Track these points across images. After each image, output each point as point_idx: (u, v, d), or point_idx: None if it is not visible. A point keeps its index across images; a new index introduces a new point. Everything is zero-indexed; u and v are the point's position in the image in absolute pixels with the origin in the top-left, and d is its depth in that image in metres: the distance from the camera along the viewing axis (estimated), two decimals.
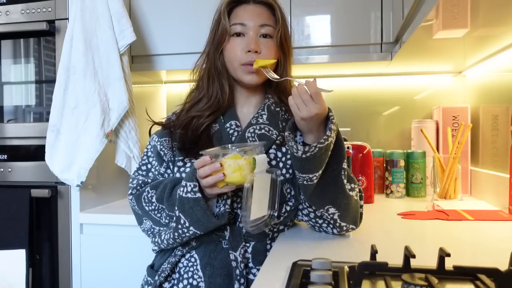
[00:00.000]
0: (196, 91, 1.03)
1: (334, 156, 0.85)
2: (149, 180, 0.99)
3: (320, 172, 0.84)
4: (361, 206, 0.94)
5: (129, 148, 1.45)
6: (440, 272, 0.60)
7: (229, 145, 0.86)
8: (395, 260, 0.62)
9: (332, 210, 0.88)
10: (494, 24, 1.00)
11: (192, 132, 0.95)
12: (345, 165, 0.88)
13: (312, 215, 0.94)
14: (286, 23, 1.00)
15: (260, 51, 0.95)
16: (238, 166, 0.80)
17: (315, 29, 1.52)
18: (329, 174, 0.86)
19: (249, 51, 0.94)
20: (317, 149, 0.80)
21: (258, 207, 0.83)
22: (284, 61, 1.01)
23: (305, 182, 0.85)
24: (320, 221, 0.93)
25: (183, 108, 1.03)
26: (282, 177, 0.89)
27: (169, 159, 0.98)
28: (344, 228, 0.91)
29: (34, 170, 1.42)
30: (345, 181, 0.87)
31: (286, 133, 0.85)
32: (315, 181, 0.84)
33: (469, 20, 0.96)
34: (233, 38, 0.96)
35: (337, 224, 0.90)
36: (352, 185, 0.90)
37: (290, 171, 0.94)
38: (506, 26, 1.02)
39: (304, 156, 0.81)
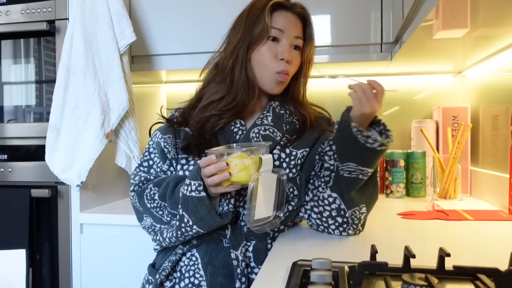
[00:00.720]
0: (216, 86, 0.97)
1: (376, 163, 0.91)
2: (151, 177, 0.99)
3: (371, 170, 0.88)
4: None
5: (129, 148, 1.45)
6: (440, 272, 0.60)
7: (234, 145, 0.86)
8: (395, 260, 0.62)
9: (364, 209, 0.92)
10: (494, 24, 1.00)
11: (205, 131, 0.94)
12: (378, 174, 0.95)
13: (326, 213, 0.92)
14: (313, 39, 1.01)
15: (291, 62, 0.96)
16: (244, 166, 0.79)
17: (315, 29, 1.51)
18: (373, 176, 0.91)
19: (282, 59, 0.94)
20: (389, 143, 0.85)
21: (263, 207, 0.83)
22: (307, 74, 1.03)
23: (360, 176, 0.88)
24: (331, 221, 0.92)
25: (191, 107, 1.00)
26: (285, 176, 0.89)
27: (173, 156, 0.98)
28: (359, 230, 0.95)
29: (34, 170, 1.42)
30: (376, 186, 0.93)
31: (353, 126, 0.82)
32: (365, 177, 0.88)
33: (469, 20, 0.96)
34: (268, 42, 0.95)
35: (354, 226, 0.92)
36: None
37: (294, 170, 0.94)
38: (506, 26, 1.02)
39: (379, 148, 0.84)
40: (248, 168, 0.80)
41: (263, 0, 0.95)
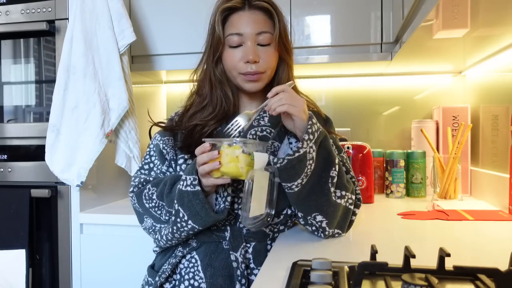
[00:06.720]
0: (198, 97, 1.01)
1: (321, 164, 0.85)
2: (151, 179, 0.99)
3: (300, 181, 0.82)
4: (355, 214, 0.93)
5: (129, 148, 1.45)
6: (440, 272, 0.60)
7: (234, 138, 0.87)
8: (395, 260, 0.62)
9: (319, 217, 0.87)
10: (494, 24, 1.00)
11: (196, 136, 0.94)
12: (333, 173, 0.86)
13: (301, 221, 0.93)
14: (284, 25, 0.97)
15: (259, 60, 0.94)
16: (235, 157, 0.80)
17: (315, 29, 1.52)
18: (316, 182, 0.85)
19: (247, 62, 0.93)
20: (285, 161, 0.80)
21: (257, 205, 0.83)
22: (289, 61, 1.00)
23: (286, 190, 0.85)
24: (308, 228, 0.92)
25: (185, 111, 1.02)
26: (277, 178, 0.89)
27: (172, 157, 0.98)
28: (331, 234, 0.90)
29: (34, 170, 1.42)
30: (332, 189, 0.86)
31: (270, 142, 0.86)
32: (296, 189, 0.84)
33: (469, 20, 0.96)
34: (230, 48, 0.95)
35: (326, 233, 0.89)
36: (343, 193, 0.88)
37: None
38: (506, 26, 1.02)
39: (275, 166, 0.81)
40: (239, 160, 0.79)
41: (215, 9, 0.96)
